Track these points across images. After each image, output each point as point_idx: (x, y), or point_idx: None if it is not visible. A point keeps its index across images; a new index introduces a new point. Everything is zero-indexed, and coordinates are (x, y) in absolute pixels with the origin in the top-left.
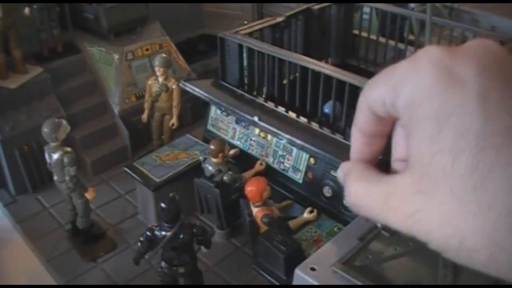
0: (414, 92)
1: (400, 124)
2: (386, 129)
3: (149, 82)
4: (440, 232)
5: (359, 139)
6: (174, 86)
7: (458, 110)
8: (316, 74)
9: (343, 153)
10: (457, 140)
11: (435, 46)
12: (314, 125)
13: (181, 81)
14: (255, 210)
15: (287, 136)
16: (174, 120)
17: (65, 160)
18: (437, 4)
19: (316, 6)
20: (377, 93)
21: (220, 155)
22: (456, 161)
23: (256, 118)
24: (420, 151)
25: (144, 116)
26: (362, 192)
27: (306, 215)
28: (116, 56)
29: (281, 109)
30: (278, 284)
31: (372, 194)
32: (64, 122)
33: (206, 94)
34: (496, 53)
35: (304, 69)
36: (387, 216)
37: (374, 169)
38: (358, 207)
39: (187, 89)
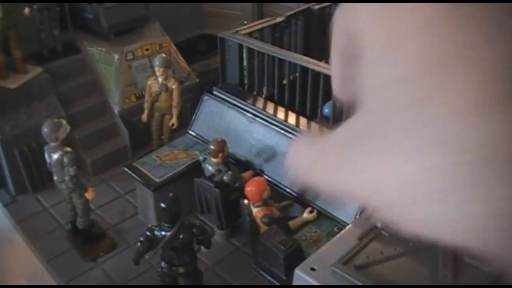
0: (366, 15)
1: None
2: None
3: (149, 82)
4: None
5: (338, 62)
6: (174, 86)
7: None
8: (316, 74)
9: None
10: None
11: None
12: (314, 125)
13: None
14: (255, 210)
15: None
16: (174, 120)
17: (65, 160)
18: None
19: (316, 6)
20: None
21: (220, 155)
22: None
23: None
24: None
25: (144, 116)
26: (299, 148)
27: (306, 215)
28: (116, 56)
29: (281, 109)
30: (278, 284)
31: (307, 152)
32: (64, 122)
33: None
34: None
35: (304, 69)
36: (318, 177)
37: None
38: (291, 163)
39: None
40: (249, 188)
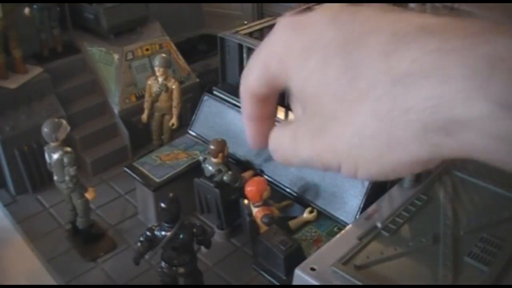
0: (278, 47)
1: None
2: (271, 108)
3: (149, 82)
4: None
5: (252, 126)
6: (174, 86)
7: (315, 32)
8: None
9: None
10: (321, 57)
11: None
12: None
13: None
14: (255, 210)
15: None
16: (174, 120)
17: (65, 160)
18: (437, 4)
19: (316, 6)
20: (254, 75)
21: (220, 155)
22: (326, 71)
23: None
24: (297, 85)
25: (144, 116)
26: (276, 136)
27: (306, 215)
28: (116, 56)
29: (280, 109)
30: (278, 284)
31: (282, 136)
32: (64, 122)
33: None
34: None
35: None
36: (296, 153)
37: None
38: (273, 151)
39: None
40: (249, 188)
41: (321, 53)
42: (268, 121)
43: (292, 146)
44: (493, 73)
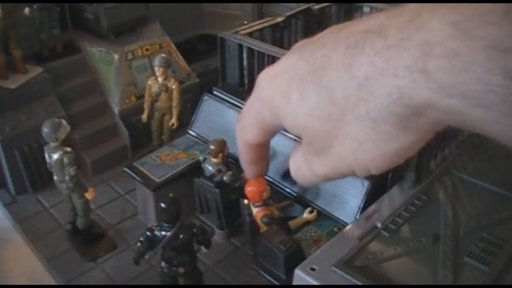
0: (265, 98)
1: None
2: (267, 148)
3: (149, 82)
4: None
5: (251, 168)
6: (174, 86)
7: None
8: None
9: None
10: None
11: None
12: None
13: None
14: (255, 210)
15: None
16: (174, 120)
17: (65, 160)
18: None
19: (316, 6)
20: (252, 131)
21: (220, 155)
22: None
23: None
24: (289, 122)
25: (144, 116)
26: (293, 162)
27: (306, 215)
28: (116, 56)
29: None
30: (278, 284)
31: (297, 162)
32: (64, 122)
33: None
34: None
35: None
36: (313, 173)
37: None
38: (295, 176)
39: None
40: (249, 188)
41: (298, 87)
42: (265, 160)
43: (307, 168)
44: (429, 60)
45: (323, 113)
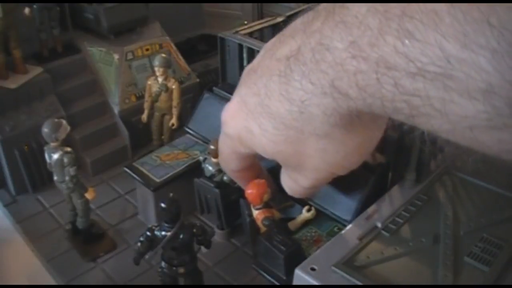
0: (233, 136)
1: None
2: (258, 167)
3: (149, 82)
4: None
5: (240, 176)
6: (174, 86)
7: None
8: None
9: None
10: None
11: None
12: None
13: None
14: (255, 212)
15: None
16: (174, 120)
17: (65, 160)
18: None
19: (316, 6)
20: (233, 166)
21: None
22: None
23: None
24: (261, 151)
25: (144, 116)
26: (282, 180)
27: (304, 213)
28: (116, 56)
29: None
30: (278, 284)
31: (284, 180)
32: (64, 122)
33: None
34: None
35: None
36: (300, 187)
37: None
38: (289, 192)
39: None
40: (250, 191)
41: (255, 120)
42: (255, 170)
43: (295, 185)
44: (342, 78)
45: (283, 137)
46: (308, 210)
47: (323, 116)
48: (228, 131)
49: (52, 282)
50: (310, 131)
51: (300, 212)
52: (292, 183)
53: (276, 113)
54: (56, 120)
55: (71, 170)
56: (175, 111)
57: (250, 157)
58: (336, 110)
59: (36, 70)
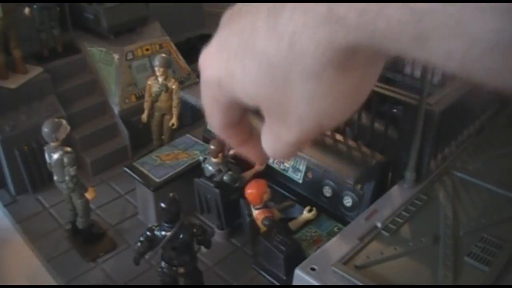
0: (211, 80)
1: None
2: (248, 127)
3: (149, 82)
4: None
5: (228, 136)
6: (174, 86)
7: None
8: None
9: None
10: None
11: None
12: None
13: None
14: (255, 212)
15: None
16: (174, 120)
17: (65, 160)
18: None
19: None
20: (216, 119)
21: (220, 155)
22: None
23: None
24: (242, 96)
25: (144, 116)
26: (263, 142)
27: (305, 213)
28: (116, 56)
29: None
30: (278, 284)
31: (266, 140)
32: (64, 122)
33: None
34: None
35: None
36: (284, 146)
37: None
38: (271, 156)
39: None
40: (249, 191)
41: (237, 62)
42: (253, 140)
43: (278, 142)
44: (339, 7)
45: (268, 79)
46: (309, 211)
47: (315, 51)
48: (206, 77)
49: (52, 282)
50: (299, 70)
51: (301, 212)
52: (275, 140)
53: (262, 52)
54: (56, 120)
55: (71, 170)
56: (175, 111)
57: (232, 109)
58: (331, 44)
59: (36, 70)
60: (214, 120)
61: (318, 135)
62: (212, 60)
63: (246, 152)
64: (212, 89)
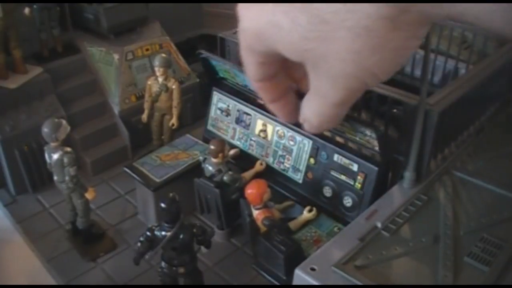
0: (249, 31)
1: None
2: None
3: (149, 82)
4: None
5: (263, 89)
6: (174, 86)
7: None
8: None
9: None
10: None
11: None
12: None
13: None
14: (255, 212)
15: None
16: (174, 120)
17: (65, 160)
18: None
19: None
20: (251, 69)
21: (220, 155)
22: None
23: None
24: (286, 49)
25: (144, 116)
26: (313, 108)
27: (305, 213)
28: (116, 56)
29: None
30: (278, 284)
31: (309, 106)
32: (64, 122)
33: None
34: None
35: None
36: (330, 104)
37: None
38: (317, 121)
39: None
40: (250, 191)
41: (286, 13)
42: (287, 98)
43: (323, 103)
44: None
45: (316, 33)
46: (310, 211)
47: (370, 6)
48: (243, 27)
49: (52, 282)
50: (350, 26)
51: (301, 212)
52: (320, 102)
53: (314, 6)
54: (56, 120)
55: (71, 170)
56: (175, 111)
57: (268, 62)
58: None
59: (36, 70)
60: (249, 70)
61: (360, 95)
62: (251, 12)
63: (277, 109)
64: (248, 39)
